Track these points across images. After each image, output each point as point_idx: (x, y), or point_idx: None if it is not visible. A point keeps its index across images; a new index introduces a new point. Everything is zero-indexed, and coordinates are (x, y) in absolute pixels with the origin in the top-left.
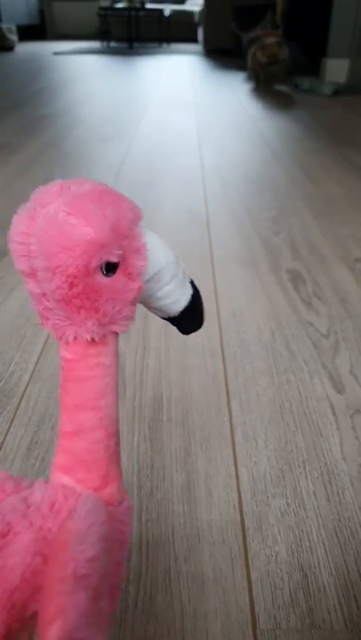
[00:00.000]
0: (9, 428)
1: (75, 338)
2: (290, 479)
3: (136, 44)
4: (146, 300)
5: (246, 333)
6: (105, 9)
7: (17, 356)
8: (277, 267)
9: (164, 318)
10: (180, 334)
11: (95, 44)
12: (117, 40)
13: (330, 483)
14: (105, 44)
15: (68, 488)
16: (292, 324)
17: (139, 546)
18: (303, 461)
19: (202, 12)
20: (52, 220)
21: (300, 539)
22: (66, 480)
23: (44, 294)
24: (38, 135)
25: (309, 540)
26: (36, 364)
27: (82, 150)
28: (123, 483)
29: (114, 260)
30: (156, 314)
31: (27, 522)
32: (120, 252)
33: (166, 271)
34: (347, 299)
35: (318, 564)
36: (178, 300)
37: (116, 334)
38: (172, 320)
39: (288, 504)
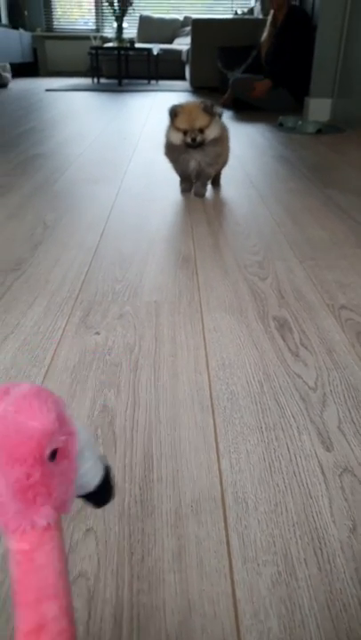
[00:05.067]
0: None
1: (32, 526)
2: (280, 545)
3: (125, 81)
4: None
5: (236, 385)
6: (95, 48)
7: None
8: (264, 314)
9: (79, 495)
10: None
11: (86, 81)
12: (107, 77)
13: (320, 549)
14: (95, 80)
15: None
16: (280, 375)
17: (130, 618)
18: (293, 525)
19: (189, 51)
20: (2, 420)
21: (292, 612)
22: None
23: None
24: (30, 176)
25: (301, 614)
26: None
27: (74, 192)
28: (115, 547)
29: (60, 445)
30: (76, 491)
31: None
32: (64, 438)
33: (87, 448)
34: (334, 349)
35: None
36: (95, 475)
37: (60, 516)
38: (87, 496)
39: (279, 572)
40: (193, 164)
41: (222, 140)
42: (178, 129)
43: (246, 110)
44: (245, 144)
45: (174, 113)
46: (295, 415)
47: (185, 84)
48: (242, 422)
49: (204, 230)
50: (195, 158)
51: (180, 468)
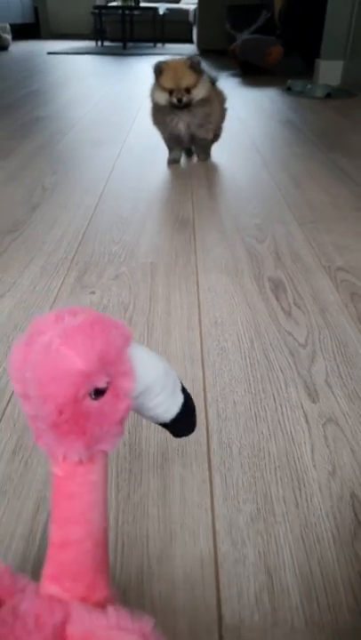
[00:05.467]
0: None
1: (64, 458)
2: (261, 485)
3: (130, 44)
4: (137, 411)
5: (226, 341)
6: (99, 7)
7: (4, 363)
8: (260, 275)
9: (157, 423)
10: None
11: (89, 44)
12: (112, 40)
13: (299, 489)
14: (99, 43)
15: (56, 600)
16: (272, 332)
17: (114, 546)
18: (275, 468)
19: (196, 11)
20: (46, 350)
21: (267, 542)
22: (54, 589)
23: (37, 417)
24: (31, 139)
25: (276, 544)
26: None
27: (74, 154)
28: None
29: (102, 386)
30: (149, 420)
31: (12, 638)
32: (108, 379)
33: (156, 385)
34: (326, 308)
35: (284, 566)
36: (169, 409)
37: (105, 452)
38: (165, 425)
39: (258, 509)
40: (181, 127)
41: (211, 100)
42: (163, 88)
43: (254, 74)
44: (251, 108)
45: (159, 70)
46: (283, 369)
47: (192, 48)
48: (230, 375)
49: (204, 193)
50: (183, 120)
51: None
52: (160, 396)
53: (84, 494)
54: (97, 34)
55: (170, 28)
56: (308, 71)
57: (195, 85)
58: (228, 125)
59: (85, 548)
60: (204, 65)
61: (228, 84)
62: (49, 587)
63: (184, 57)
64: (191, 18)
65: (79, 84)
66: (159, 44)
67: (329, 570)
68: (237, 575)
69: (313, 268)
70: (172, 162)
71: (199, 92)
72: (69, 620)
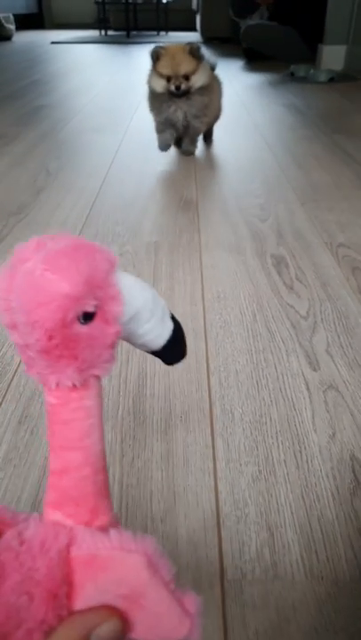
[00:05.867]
0: (1, 402)
1: (57, 384)
2: (263, 449)
3: (134, 33)
4: (128, 339)
5: (229, 315)
6: None
7: (7, 337)
8: (262, 252)
9: (148, 352)
10: None
11: (93, 33)
12: (115, 29)
13: (300, 452)
14: (103, 32)
15: (59, 525)
16: (274, 306)
17: (118, 508)
18: (276, 433)
19: None
20: (30, 276)
21: (268, 502)
22: (57, 515)
23: (27, 345)
24: (35, 126)
25: (277, 503)
26: None
27: (78, 141)
28: (108, 450)
29: (90, 309)
30: (140, 349)
31: (17, 563)
32: (95, 303)
33: (145, 311)
34: (328, 282)
35: (284, 524)
36: (159, 336)
37: (98, 377)
38: (156, 353)
39: (260, 471)
40: (179, 115)
41: (211, 88)
42: (160, 74)
43: (258, 60)
44: (254, 93)
45: (156, 55)
46: (285, 340)
47: (195, 36)
48: (233, 346)
49: (207, 175)
50: (180, 108)
51: (171, 384)
52: (150, 322)
53: (79, 420)
54: (100, 23)
55: (174, 17)
56: (310, 56)
57: (194, 72)
58: (232, 110)
59: (85, 474)
60: (204, 50)
61: (231, 70)
62: (52, 514)
63: (182, 43)
64: (195, 6)
65: (82, 73)
66: (163, 33)
67: (328, 526)
68: (239, 533)
69: (315, 245)
70: (164, 145)
71: (199, 79)
72: (73, 543)
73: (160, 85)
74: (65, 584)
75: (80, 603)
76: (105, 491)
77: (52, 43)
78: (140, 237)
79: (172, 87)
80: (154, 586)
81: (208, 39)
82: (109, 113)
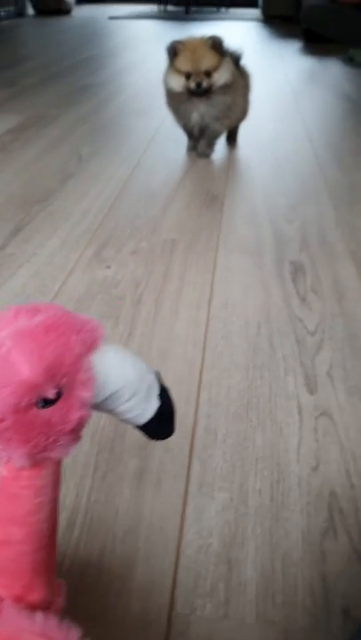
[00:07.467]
0: None
1: (8, 461)
2: (239, 475)
3: (193, 9)
4: (108, 413)
5: (233, 324)
6: None
7: None
8: (282, 257)
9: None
10: (171, 316)
11: (152, 8)
12: (176, 4)
13: (278, 483)
14: (162, 7)
15: None
16: (282, 318)
17: (82, 523)
18: (257, 459)
19: None
20: None
21: (234, 533)
22: None
23: None
24: (77, 107)
25: (243, 536)
26: None
27: (116, 124)
28: (82, 462)
29: (50, 396)
30: (123, 422)
31: None
32: (56, 390)
33: (125, 391)
34: (345, 295)
35: (246, 559)
36: (140, 415)
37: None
38: (139, 428)
39: (231, 499)
40: (195, 117)
41: (235, 87)
42: (179, 71)
43: (318, 42)
44: (307, 79)
45: (174, 51)
46: (286, 357)
47: (256, 13)
48: (230, 360)
49: (239, 168)
50: (198, 109)
51: None
52: (130, 401)
53: (27, 497)
54: None
55: None
56: None
57: (216, 68)
58: (278, 97)
59: (25, 549)
60: (226, 45)
61: (288, 52)
62: None
63: (204, 36)
64: None
65: (135, 51)
66: (223, 9)
67: (291, 568)
68: (197, 563)
69: (339, 253)
70: (191, 150)
71: (221, 77)
72: None
73: (179, 84)
74: None
75: None
76: (45, 568)
77: (110, 18)
78: (158, 233)
79: (192, 85)
80: None
81: (268, 17)
82: (153, 94)
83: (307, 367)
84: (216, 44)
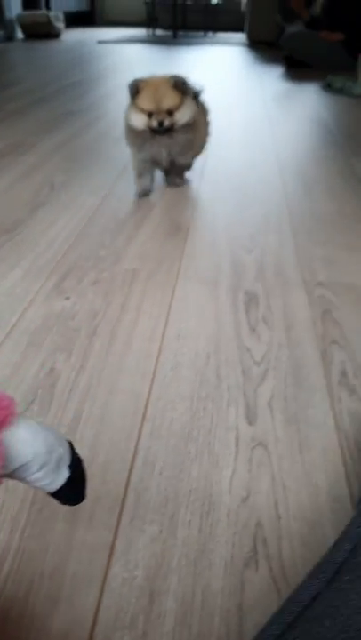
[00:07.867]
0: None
1: None
2: (171, 507)
3: (181, 33)
4: (19, 481)
5: (183, 356)
6: None
7: None
8: (237, 287)
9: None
10: None
11: (141, 32)
12: (164, 28)
13: (207, 514)
14: (150, 31)
15: None
16: (231, 349)
17: (13, 559)
18: (190, 491)
19: (248, 1)
20: None
21: (160, 566)
22: None
23: None
24: (56, 133)
25: (168, 568)
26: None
27: (92, 151)
28: (20, 496)
29: None
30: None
31: None
32: None
33: (34, 463)
34: (293, 325)
35: (168, 591)
36: (50, 484)
37: None
38: (51, 494)
39: (161, 531)
40: (163, 153)
41: (196, 125)
42: (141, 109)
43: (298, 68)
44: (283, 104)
45: (136, 89)
46: (230, 388)
47: (242, 38)
48: (177, 391)
49: (206, 198)
50: (164, 146)
51: (103, 430)
52: (39, 472)
53: None
54: (150, 22)
55: (222, 18)
56: (353, 66)
57: (178, 107)
58: (253, 123)
59: None
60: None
61: (270, 77)
62: None
63: (166, 75)
64: (244, 8)
65: (122, 75)
66: (210, 33)
67: (210, 598)
68: (121, 597)
69: (293, 282)
70: (143, 194)
71: (183, 116)
72: None
73: (140, 122)
74: None
75: None
76: None
77: (99, 42)
78: (120, 263)
79: (155, 123)
80: None
81: (254, 42)
82: None
83: (249, 398)
84: (178, 84)
